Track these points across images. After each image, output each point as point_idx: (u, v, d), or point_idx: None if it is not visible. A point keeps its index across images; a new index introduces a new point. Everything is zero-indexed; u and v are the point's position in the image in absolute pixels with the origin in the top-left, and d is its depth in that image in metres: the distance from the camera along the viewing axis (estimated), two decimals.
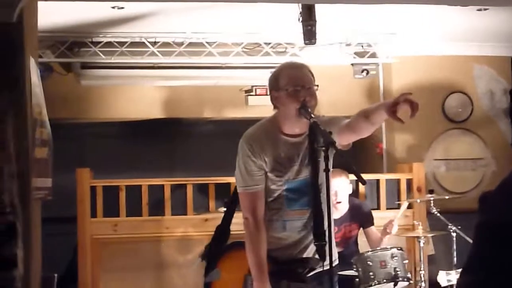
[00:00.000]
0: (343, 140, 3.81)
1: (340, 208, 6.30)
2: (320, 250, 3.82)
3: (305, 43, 6.10)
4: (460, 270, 6.10)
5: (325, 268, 3.75)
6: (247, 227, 3.96)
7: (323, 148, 3.64)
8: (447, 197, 7.11)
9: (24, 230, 2.60)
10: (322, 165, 3.69)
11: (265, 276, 3.88)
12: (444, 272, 6.23)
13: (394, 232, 6.31)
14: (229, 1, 5.66)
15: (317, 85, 3.94)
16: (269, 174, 3.92)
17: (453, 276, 6.21)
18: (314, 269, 3.95)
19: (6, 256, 2.44)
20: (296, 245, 3.98)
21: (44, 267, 3.62)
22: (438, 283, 6.29)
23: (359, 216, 6.45)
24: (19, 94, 2.69)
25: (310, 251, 3.95)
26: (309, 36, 6.00)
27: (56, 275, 3.15)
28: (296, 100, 3.82)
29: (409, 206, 7.38)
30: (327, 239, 3.72)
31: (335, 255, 4.07)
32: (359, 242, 6.56)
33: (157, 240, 7.03)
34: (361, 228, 6.49)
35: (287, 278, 3.95)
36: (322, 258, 3.81)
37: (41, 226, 3.65)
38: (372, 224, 6.50)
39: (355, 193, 7.01)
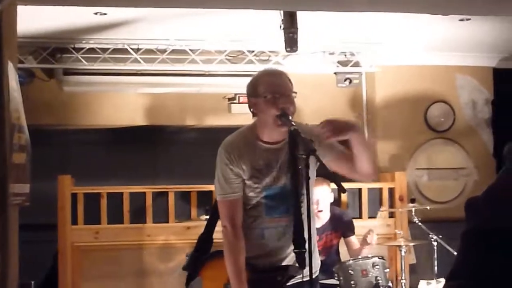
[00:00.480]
0: (341, 171, 3.81)
1: (321, 216, 6.29)
2: (300, 258, 3.80)
3: (287, 51, 6.10)
4: (441, 279, 6.13)
5: (305, 277, 3.73)
6: (226, 235, 3.94)
7: (304, 156, 3.62)
8: (428, 208, 7.12)
9: (0, 236, 2.57)
10: (303, 173, 3.67)
11: (243, 285, 3.86)
12: (425, 281, 6.23)
13: (374, 242, 6.31)
14: (211, 7, 5.63)
15: (296, 92, 3.92)
16: (247, 182, 3.90)
17: (434, 285, 6.21)
18: (294, 277, 3.92)
19: None
20: (275, 253, 3.95)
21: (22, 274, 3.59)
22: None
23: (341, 225, 6.44)
24: None
25: (291, 259, 3.93)
26: (291, 43, 6.00)
27: (32, 282, 3.11)
28: (274, 107, 3.80)
29: (391, 215, 7.40)
30: (307, 247, 3.69)
31: (317, 264, 4.06)
32: (340, 251, 6.56)
33: (138, 247, 7.01)
34: (342, 238, 6.49)
35: (266, 286, 3.93)
36: (302, 266, 3.79)
37: (18, 233, 3.61)
38: (353, 233, 6.50)
39: (337, 202, 7.01)
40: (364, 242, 6.32)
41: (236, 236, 3.90)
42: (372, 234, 6.30)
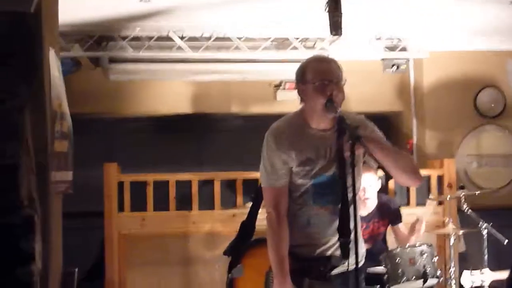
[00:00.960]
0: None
1: (368, 204, 6.22)
2: (344, 248, 3.75)
3: (332, 34, 6.00)
4: (485, 270, 6.00)
5: (351, 267, 3.67)
6: (270, 222, 3.90)
7: (350, 142, 3.56)
8: (477, 193, 6.99)
9: (42, 224, 2.56)
10: (349, 160, 3.61)
11: (285, 273, 3.82)
12: (468, 272, 6.09)
13: (422, 231, 6.22)
14: None
15: (345, 80, 3.86)
16: (296, 169, 3.85)
17: (477, 276, 6.07)
18: (336, 267, 3.87)
19: (24, 251, 2.40)
20: (320, 242, 3.91)
21: (69, 261, 3.59)
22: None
23: (388, 213, 6.36)
24: (37, 86, 2.65)
25: (335, 249, 3.87)
26: (335, 27, 5.90)
27: (76, 269, 3.10)
28: (322, 94, 3.75)
29: (440, 203, 7.29)
30: (352, 236, 3.63)
31: (362, 253, 4.00)
32: (388, 239, 6.48)
33: (184, 235, 7.02)
34: (390, 226, 6.41)
35: (309, 276, 3.89)
36: (346, 256, 3.74)
37: (65, 221, 3.62)
38: (400, 221, 6.41)
39: (384, 189, 6.94)
40: (412, 230, 6.23)
41: (280, 224, 3.86)
42: (421, 222, 6.20)
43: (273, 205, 3.89)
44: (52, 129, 2.83)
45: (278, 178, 3.87)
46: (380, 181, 6.35)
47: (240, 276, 4.14)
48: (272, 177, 3.88)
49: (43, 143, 2.70)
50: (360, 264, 3.84)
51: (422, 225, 6.20)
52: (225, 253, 4.32)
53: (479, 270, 6.12)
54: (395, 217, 6.40)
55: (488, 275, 6.09)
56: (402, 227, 6.40)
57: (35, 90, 2.64)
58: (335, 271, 3.90)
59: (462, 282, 6.11)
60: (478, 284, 6.06)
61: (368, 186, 6.14)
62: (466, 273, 6.10)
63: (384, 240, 6.42)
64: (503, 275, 6.18)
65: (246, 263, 4.09)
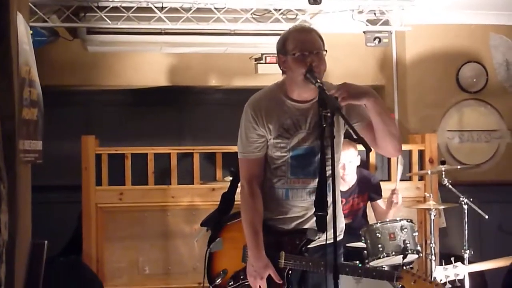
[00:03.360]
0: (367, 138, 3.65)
1: (347, 179, 6.17)
2: (320, 221, 3.69)
3: (310, 3, 5.91)
4: (457, 263, 5.95)
5: (329, 240, 3.61)
6: (242, 194, 3.90)
7: (329, 113, 3.48)
8: (458, 167, 6.95)
9: (9, 194, 2.48)
10: (327, 132, 3.54)
11: (260, 246, 3.79)
12: (441, 267, 6.04)
13: (399, 202, 6.17)
14: None
15: (326, 50, 3.79)
16: (273, 141, 3.80)
17: (450, 270, 6.02)
18: (312, 240, 3.82)
19: None
20: (297, 216, 3.87)
21: (44, 236, 3.50)
22: (449, 258, 6.10)
23: (368, 187, 6.32)
24: (3, 51, 2.55)
25: (312, 223, 3.82)
26: None
27: (46, 242, 3.02)
28: (303, 65, 3.69)
29: (421, 178, 7.25)
30: (331, 211, 3.56)
31: (341, 227, 3.95)
32: (368, 215, 6.43)
33: (163, 209, 6.95)
34: (369, 202, 6.36)
35: (285, 250, 3.84)
36: (321, 230, 3.68)
37: (38, 194, 3.53)
38: (380, 197, 6.37)
39: (365, 165, 6.89)
40: (389, 203, 6.18)
41: (253, 196, 3.85)
42: (397, 194, 6.15)
43: (246, 177, 3.88)
44: (20, 96, 2.73)
45: (252, 150, 3.86)
46: (359, 157, 6.29)
47: (219, 249, 4.08)
48: (246, 149, 3.87)
49: (10, 110, 2.60)
50: (339, 238, 3.80)
51: (398, 196, 6.15)
52: (202, 224, 4.28)
53: (451, 265, 6.05)
54: (375, 193, 6.36)
55: (462, 269, 6.03)
56: (382, 203, 6.36)
57: (1, 55, 2.54)
58: (313, 245, 3.84)
59: (435, 275, 6.05)
60: (452, 278, 6.00)
61: (348, 162, 6.09)
62: (439, 268, 6.04)
63: (364, 215, 6.38)
64: (477, 267, 6.15)
65: (225, 236, 4.03)
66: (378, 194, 6.38)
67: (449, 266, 6.02)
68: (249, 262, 3.86)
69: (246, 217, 3.86)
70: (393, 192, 6.19)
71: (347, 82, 3.60)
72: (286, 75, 3.85)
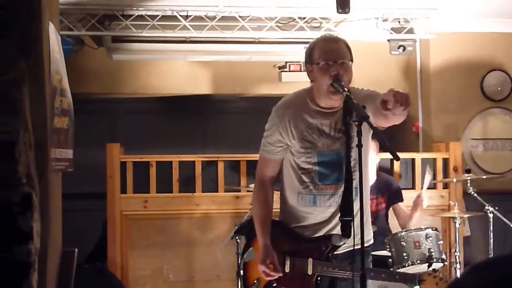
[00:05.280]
0: (376, 122, 3.63)
1: None
2: (345, 227, 3.69)
3: (338, 12, 5.92)
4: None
5: (357, 245, 3.61)
6: (255, 188, 4.06)
7: (356, 122, 3.48)
8: (484, 177, 6.92)
9: (41, 202, 2.50)
10: (355, 140, 3.54)
11: (266, 235, 3.90)
12: None
13: (425, 205, 6.14)
14: None
15: (352, 60, 3.79)
16: (298, 146, 3.83)
17: None
18: (338, 246, 3.82)
19: (21, 229, 2.33)
20: (325, 222, 3.87)
21: (72, 242, 3.53)
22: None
23: (387, 190, 6.29)
24: (36, 60, 2.57)
25: (339, 229, 3.82)
26: (342, 4, 5.82)
27: (76, 249, 3.04)
28: (327, 75, 3.70)
29: (445, 186, 7.22)
30: (358, 217, 3.56)
31: (369, 234, 3.95)
32: (390, 222, 6.40)
33: (187, 217, 6.96)
34: (391, 207, 6.33)
35: (312, 256, 3.85)
36: (346, 235, 3.68)
37: (64, 202, 3.55)
38: (401, 200, 6.34)
39: (389, 172, 6.88)
40: (415, 206, 6.16)
41: (261, 188, 3.99)
42: (422, 198, 6.13)
43: (259, 172, 4.01)
44: (51, 105, 2.75)
45: (269, 151, 3.93)
46: (378, 157, 6.24)
47: (252, 258, 4.09)
48: (265, 148, 3.95)
49: (42, 119, 2.62)
50: (368, 244, 3.82)
51: (423, 199, 6.12)
52: (235, 232, 4.34)
53: None
54: (394, 196, 6.33)
55: None
56: (403, 206, 6.33)
57: (34, 63, 2.56)
58: (341, 251, 3.85)
59: None
60: None
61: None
62: None
63: (385, 219, 6.32)
64: None
65: (257, 246, 4.04)
66: (399, 197, 6.35)
67: None
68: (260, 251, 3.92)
69: (254, 208, 4.03)
70: (419, 195, 6.16)
71: (398, 91, 3.51)
72: (313, 84, 3.87)
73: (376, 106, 3.62)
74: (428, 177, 6.31)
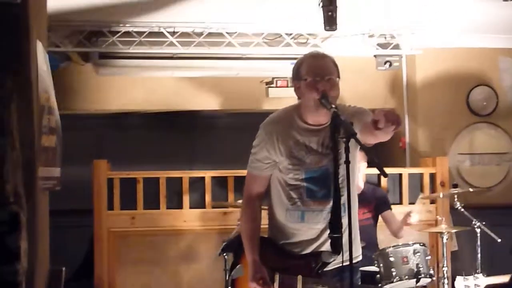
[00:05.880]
0: (364, 139, 3.64)
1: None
2: (335, 243, 3.69)
3: (326, 29, 5.94)
4: (479, 275, 5.93)
5: (345, 262, 3.61)
6: (243, 205, 4.06)
7: (344, 139, 3.49)
8: (470, 190, 6.94)
9: (29, 221, 2.49)
10: (342, 157, 3.55)
11: (255, 251, 3.89)
12: (462, 277, 6.03)
13: (414, 221, 6.14)
14: None
15: (339, 77, 3.80)
16: (286, 163, 3.83)
17: (471, 281, 6.01)
18: (328, 263, 3.82)
19: (9, 248, 2.32)
20: (313, 238, 3.87)
21: (58, 259, 3.52)
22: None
23: (374, 199, 6.29)
24: (24, 79, 2.57)
25: (328, 245, 3.82)
26: (330, 22, 5.84)
27: (64, 268, 3.03)
28: (314, 91, 3.72)
29: (432, 201, 7.24)
30: (347, 233, 3.56)
31: (358, 250, 3.95)
32: (378, 237, 6.40)
33: (175, 233, 6.94)
34: (379, 216, 6.32)
35: (302, 273, 3.84)
36: (336, 252, 3.68)
37: (54, 218, 3.54)
38: (389, 208, 6.35)
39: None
40: (404, 221, 6.16)
41: (248, 205, 4.00)
42: (413, 215, 6.13)
43: (246, 188, 4.00)
44: (39, 123, 2.75)
45: (257, 167, 3.91)
46: (365, 164, 6.20)
47: (240, 275, 4.08)
48: (253, 164, 3.93)
49: (30, 137, 2.62)
50: (357, 260, 3.85)
51: (414, 215, 6.12)
52: (222, 249, 4.33)
53: (472, 275, 6.05)
54: (383, 203, 6.34)
55: (482, 280, 6.03)
56: (392, 214, 6.33)
57: (22, 82, 2.56)
58: (330, 267, 3.84)
59: (456, 286, 6.04)
60: None
61: None
62: (459, 278, 6.04)
63: (372, 230, 6.29)
64: (497, 280, 6.13)
65: (245, 262, 4.03)
66: (386, 205, 6.37)
67: (470, 277, 6.02)
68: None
69: (242, 224, 4.02)
70: (410, 213, 6.17)
71: (390, 111, 3.51)
72: (301, 100, 3.88)
73: (364, 123, 3.64)
74: (415, 216, 6.28)
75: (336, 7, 5.82)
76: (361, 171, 6.13)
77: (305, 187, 3.85)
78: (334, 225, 3.71)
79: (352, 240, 3.50)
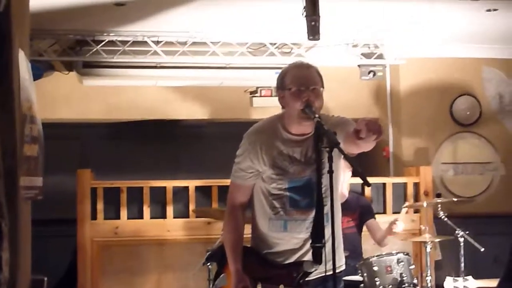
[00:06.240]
0: (347, 149, 3.65)
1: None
2: (317, 253, 3.69)
3: (309, 39, 5.96)
4: (468, 277, 5.96)
5: (328, 271, 3.61)
6: (226, 214, 4.04)
7: (327, 149, 3.50)
8: (454, 200, 6.96)
9: (10, 231, 2.47)
10: (326, 166, 3.55)
11: (238, 261, 3.88)
12: (451, 278, 6.06)
13: (399, 230, 6.15)
14: None
15: (323, 87, 3.82)
16: (269, 172, 3.82)
17: (460, 283, 6.04)
18: (309, 273, 3.82)
19: None
20: (295, 248, 3.86)
21: (41, 269, 3.49)
22: None
23: (358, 206, 6.32)
24: (6, 88, 2.56)
25: (310, 255, 3.82)
26: (313, 32, 5.86)
27: (45, 278, 3.01)
28: (298, 100, 3.73)
29: (416, 211, 7.25)
30: (330, 243, 3.57)
31: (341, 259, 3.96)
32: (363, 247, 6.41)
33: (159, 243, 6.92)
34: (363, 224, 6.33)
35: (284, 283, 3.84)
36: (317, 261, 3.68)
37: (37, 228, 3.52)
38: (373, 216, 6.37)
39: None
40: (389, 230, 6.17)
41: (232, 215, 3.97)
42: (399, 223, 6.14)
43: (229, 198, 3.99)
44: (21, 132, 2.73)
45: (241, 177, 3.91)
46: (350, 173, 6.20)
47: (224, 285, 4.08)
48: (236, 174, 3.93)
49: (11, 147, 2.60)
50: (340, 269, 3.86)
51: (399, 223, 6.12)
52: (207, 259, 4.31)
53: (462, 277, 6.08)
54: (367, 211, 6.37)
55: (472, 283, 6.05)
56: (376, 223, 6.35)
57: (4, 92, 2.55)
58: (313, 277, 3.84)
59: (445, 287, 6.07)
60: None
61: None
62: (449, 279, 6.06)
63: (356, 238, 6.30)
64: (486, 283, 6.16)
65: (229, 272, 4.02)
66: (370, 214, 6.39)
67: (459, 278, 6.04)
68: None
69: (225, 234, 4.03)
70: (395, 221, 6.18)
71: (371, 120, 3.53)
72: (284, 110, 3.88)
73: (347, 133, 3.65)
74: (400, 225, 6.29)
75: (319, 16, 5.84)
76: (346, 180, 6.15)
77: (288, 197, 3.85)
78: (316, 234, 3.71)
79: (335, 250, 3.51)
